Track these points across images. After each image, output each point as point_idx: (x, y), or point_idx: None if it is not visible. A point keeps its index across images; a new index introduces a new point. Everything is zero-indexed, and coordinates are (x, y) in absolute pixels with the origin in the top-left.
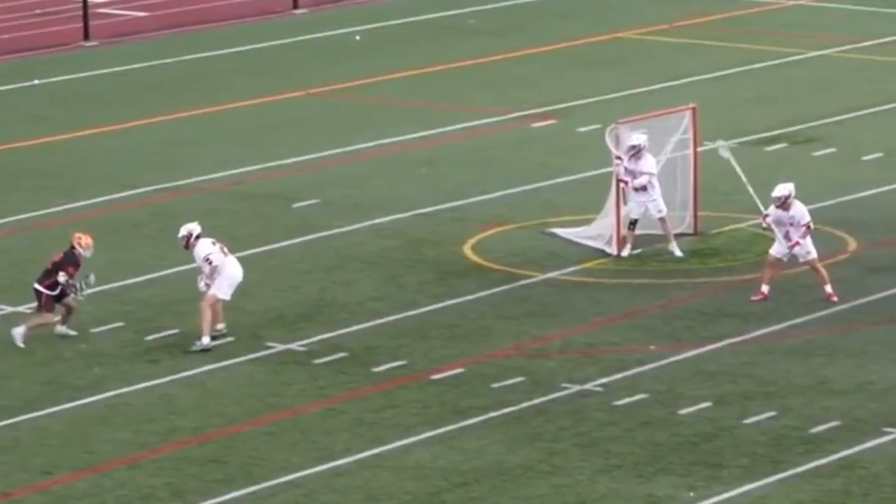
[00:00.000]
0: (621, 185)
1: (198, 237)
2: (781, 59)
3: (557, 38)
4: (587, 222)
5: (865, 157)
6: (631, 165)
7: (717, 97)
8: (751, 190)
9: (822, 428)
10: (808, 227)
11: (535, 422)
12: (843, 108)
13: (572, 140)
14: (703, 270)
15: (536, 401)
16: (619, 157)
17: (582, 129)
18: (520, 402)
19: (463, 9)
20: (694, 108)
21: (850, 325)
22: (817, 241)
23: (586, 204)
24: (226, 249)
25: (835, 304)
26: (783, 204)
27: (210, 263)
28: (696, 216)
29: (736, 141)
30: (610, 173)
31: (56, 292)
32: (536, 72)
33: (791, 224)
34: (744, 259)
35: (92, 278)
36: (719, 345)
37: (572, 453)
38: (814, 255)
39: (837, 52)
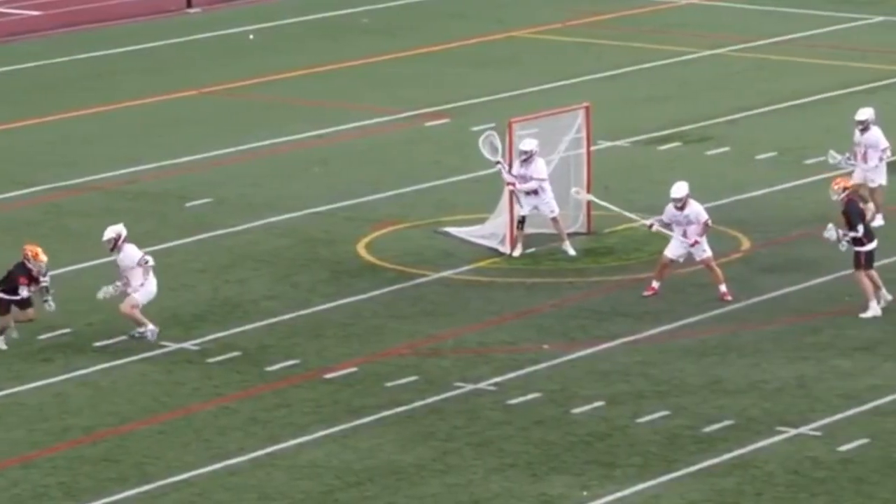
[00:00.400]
0: (509, 189)
1: (125, 239)
2: (675, 59)
3: (450, 37)
4: (480, 221)
5: (759, 157)
6: (521, 170)
7: (610, 96)
8: (630, 215)
9: (715, 427)
10: (707, 225)
11: (428, 421)
12: (736, 107)
13: (466, 139)
14: (596, 269)
15: (430, 400)
16: (498, 162)
17: (475, 129)
18: (413, 401)
19: (356, 8)
20: (587, 107)
21: (743, 325)
22: (711, 240)
23: (479, 203)
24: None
25: (729, 303)
26: (681, 204)
27: (147, 263)
28: (589, 215)
29: (629, 140)
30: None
31: (17, 297)
32: (430, 71)
33: (688, 223)
34: (637, 258)
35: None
36: (613, 344)
37: (466, 452)
38: (709, 253)
39: (731, 51)
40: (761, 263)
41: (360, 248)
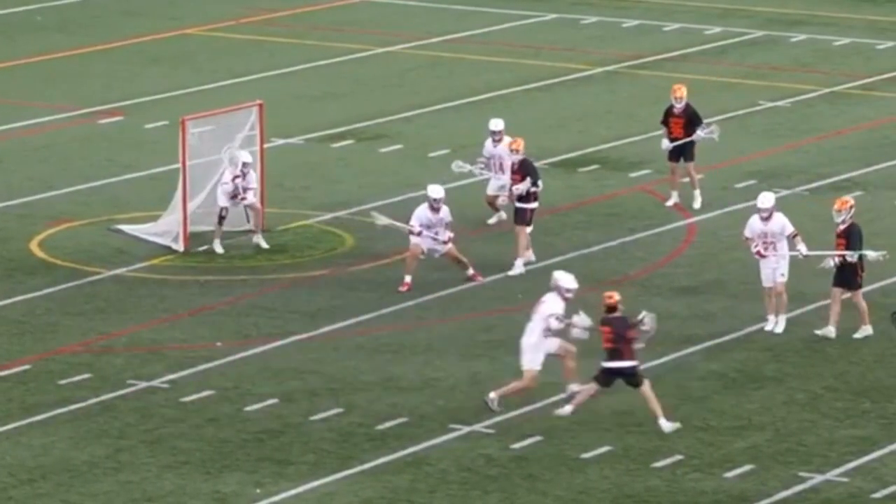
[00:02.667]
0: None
1: None
2: (348, 56)
3: (124, 34)
4: (154, 219)
5: (432, 154)
6: (245, 183)
7: (284, 94)
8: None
9: (389, 425)
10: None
11: (101, 418)
12: (410, 104)
13: (139, 136)
14: (270, 267)
15: (103, 397)
16: (237, 177)
17: (149, 126)
18: (86, 398)
19: (30, 5)
20: (260, 105)
21: (416, 322)
22: (392, 235)
23: (154, 200)
24: None
25: (407, 296)
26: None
27: None
28: (263, 213)
29: (303, 137)
30: (177, 170)
31: None
32: (103, 68)
33: (439, 225)
34: (311, 256)
35: None
36: (286, 341)
37: (139, 450)
38: (450, 245)
39: (404, 48)
40: (436, 261)
41: (34, 246)
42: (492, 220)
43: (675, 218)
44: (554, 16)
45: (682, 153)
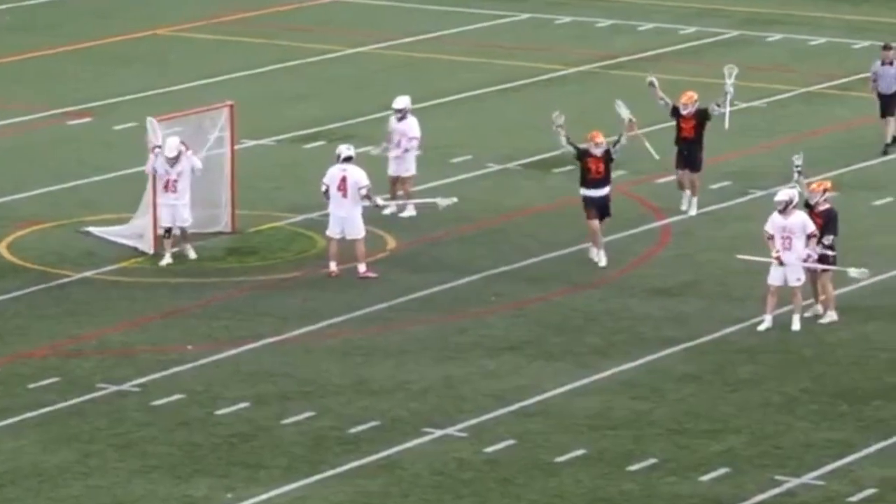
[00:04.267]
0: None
1: None
2: (320, 57)
3: (95, 35)
4: (124, 221)
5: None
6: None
7: (255, 94)
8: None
9: (360, 428)
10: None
11: (71, 422)
12: (381, 105)
13: (109, 138)
14: (241, 269)
15: (73, 401)
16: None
17: (118, 127)
18: (56, 402)
19: None
20: (231, 106)
21: (388, 324)
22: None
23: (123, 202)
24: None
25: (383, 301)
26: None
27: None
28: (233, 214)
29: (274, 139)
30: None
31: None
32: (73, 69)
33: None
34: (282, 257)
35: None
36: (258, 344)
37: (109, 454)
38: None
39: (376, 48)
40: (407, 263)
41: (3, 248)
42: (404, 214)
43: (650, 219)
44: (527, 15)
45: (689, 162)
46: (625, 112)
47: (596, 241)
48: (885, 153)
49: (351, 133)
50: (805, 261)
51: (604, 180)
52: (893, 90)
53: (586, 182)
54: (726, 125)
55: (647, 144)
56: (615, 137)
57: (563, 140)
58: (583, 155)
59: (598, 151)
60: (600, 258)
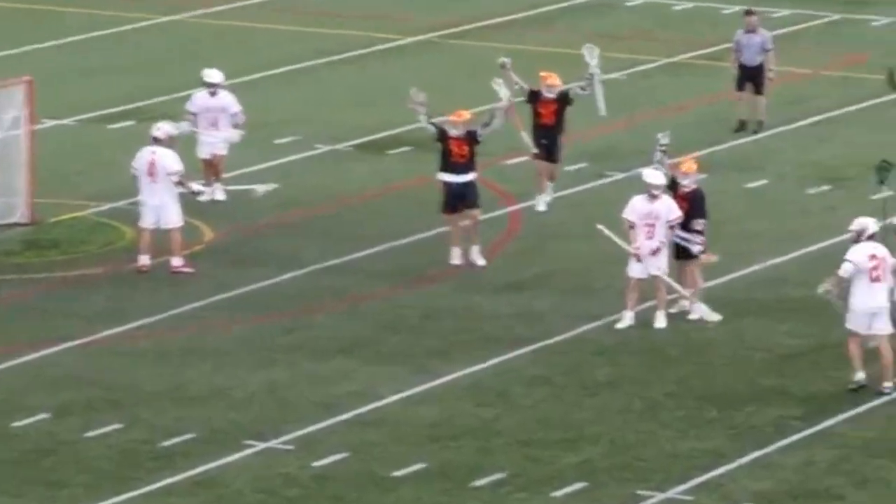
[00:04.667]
0: None
1: None
2: (129, 26)
3: None
4: None
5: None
6: None
7: (55, 68)
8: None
9: (175, 441)
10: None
11: None
12: (198, 80)
13: None
14: (40, 264)
15: None
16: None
17: None
18: None
19: None
20: (29, 82)
21: (206, 325)
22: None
23: None
24: None
25: (196, 296)
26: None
27: None
28: (31, 203)
29: (76, 118)
30: None
31: None
32: None
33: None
34: (86, 250)
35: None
36: (60, 348)
37: None
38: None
39: (191, 17)
40: (227, 256)
41: None
42: (219, 196)
43: (496, 206)
44: None
45: (549, 153)
46: (504, 92)
47: (455, 238)
48: (755, 132)
49: (164, 112)
50: (656, 250)
51: (467, 165)
52: (758, 62)
53: (447, 166)
54: (602, 111)
55: (524, 134)
56: (486, 118)
57: (424, 119)
58: (443, 136)
59: (458, 132)
60: (477, 258)
